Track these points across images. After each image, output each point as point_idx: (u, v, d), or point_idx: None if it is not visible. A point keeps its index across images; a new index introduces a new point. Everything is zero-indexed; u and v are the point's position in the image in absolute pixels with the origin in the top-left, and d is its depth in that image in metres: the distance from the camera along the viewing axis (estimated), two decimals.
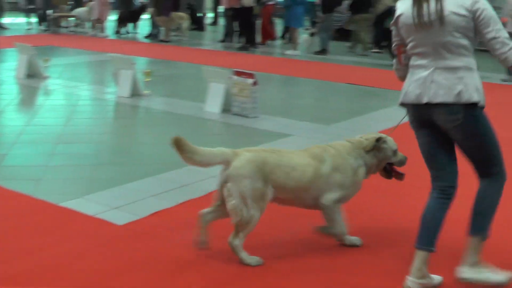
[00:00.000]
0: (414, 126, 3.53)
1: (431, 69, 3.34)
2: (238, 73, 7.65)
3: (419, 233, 3.42)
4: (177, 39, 16.78)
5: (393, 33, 3.53)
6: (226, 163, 3.66)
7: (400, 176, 4.05)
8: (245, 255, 3.61)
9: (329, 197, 3.76)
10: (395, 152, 3.99)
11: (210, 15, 21.84)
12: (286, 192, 3.71)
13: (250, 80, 7.46)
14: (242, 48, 14.96)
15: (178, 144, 3.59)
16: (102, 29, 17.32)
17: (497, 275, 3.42)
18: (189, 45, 15.72)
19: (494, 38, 3.21)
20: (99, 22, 17.26)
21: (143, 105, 8.33)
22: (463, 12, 3.22)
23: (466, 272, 3.38)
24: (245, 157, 3.66)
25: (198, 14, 20.03)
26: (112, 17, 18.59)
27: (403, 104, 3.51)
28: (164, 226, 4.15)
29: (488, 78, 10.63)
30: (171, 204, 4.58)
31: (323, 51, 14.64)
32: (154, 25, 17.02)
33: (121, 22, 17.90)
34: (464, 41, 3.27)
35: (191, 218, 3.92)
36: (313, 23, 16.91)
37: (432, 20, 3.26)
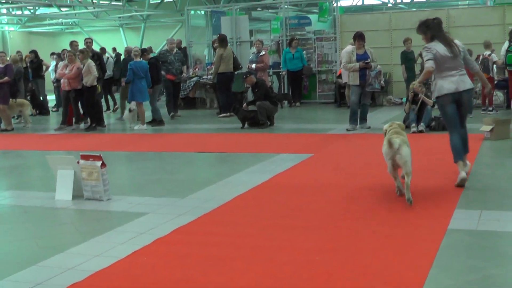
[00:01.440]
0: (447, 104, 7.42)
1: (457, 75, 7.43)
2: (85, 157, 7.47)
3: (455, 154, 7.44)
4: (21, 126, 16.24)
5: (429, 64, 7.40)
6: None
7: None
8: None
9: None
10: None
11: (51, 97, 21.38)
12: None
13: (98, 163, 7.32)
14: (89, 129, 14.72)
15: None
16: None
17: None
18: (33, 132, 15.25)
19: (472, 61, 7.98)
20: None
21: None
22: (462, 49, 7.52)
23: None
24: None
25: (41, 98, 19.56)
26: None
27: (439, 97, 7.48)
28: None
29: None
30: None
31: (160, 122, 14.97)
32: None
33: None
34: (462, 62, 7.52)
35: None
36: None
37: (456, 53, 7.42)
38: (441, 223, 5.77)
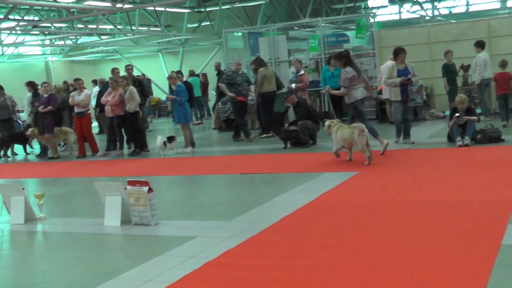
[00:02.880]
0: (359, 105, 11.89)
1: (361, 88, 11.98)
2: (132, 183, 7.52)
3: (374, 132, 11.53)
4: (66, 154, 16.48)
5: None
6: None
7: None
8: None
9: None
10: None
11: (94, 124, 21.64)
12: None
13: (145, 188, 7.37)
14: (133, 154, 14.87)
15: None
16: None
17: None
18: (79, 159, 15.45)
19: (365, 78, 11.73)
20: None
21: (39, 230, 8.03)
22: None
23: None
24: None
25: None
26: None
27: (354, 101, 11.83)
28: None
29: None
30: None
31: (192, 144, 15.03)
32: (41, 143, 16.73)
33: (3, 145, 17.44)
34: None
35: None
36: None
37: (360, 74, 11.97)
38: (494, 239, 5.64)
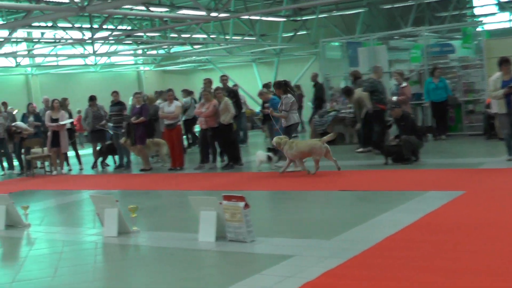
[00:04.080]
0: (295, 128, 14.30)
1: (297, 112, 14.27)
2: (228, 197, 7.60)
3: None
4: (159, 166, 16.84)
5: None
6: None
7: None
8: None
9: None
10: None
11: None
12: None
13: (241, 203, 7.42)
14: (226, 167, 15.04)
15: None
16: (60, 166, 17.62)
17: None
18: (171, 171, 15.75)
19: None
20: (59, 158, 17.59)
21: (132, 243, 8.22)
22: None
23: None
24: None
25: None
26: (86, 151, 18.78)
27: (292, 124, 13.91)
28: None
29: None
30: None
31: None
32: (127, 154, 17.17)
33: (100, 155, 18.03)
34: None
35: None
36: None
37: (297, 100, 13.71)
38: None
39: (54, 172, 17.45)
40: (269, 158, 14.23)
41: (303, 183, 12.13)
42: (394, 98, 16.90)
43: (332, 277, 5.81)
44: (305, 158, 13.36)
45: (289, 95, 14.02)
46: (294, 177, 12.98)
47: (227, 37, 29.30)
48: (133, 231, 8.61)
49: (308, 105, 25.57)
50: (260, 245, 7.33)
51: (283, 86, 14.23)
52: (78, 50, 28.61)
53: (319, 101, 20.89)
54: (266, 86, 19.12)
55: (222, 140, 15.08)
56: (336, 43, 24.58)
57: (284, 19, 30.50)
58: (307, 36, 31.07)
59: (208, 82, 16.33)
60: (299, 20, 30.50)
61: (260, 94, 15.74)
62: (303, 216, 9.01)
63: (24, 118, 18.75)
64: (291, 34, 32.33)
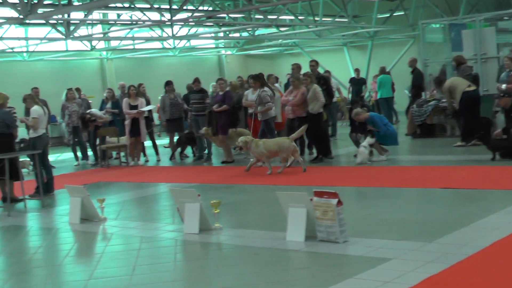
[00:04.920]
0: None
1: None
2: (319, 193, 7.58)
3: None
4: (241, 158, 16.91)
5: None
6: None
7: None
8: None
9: None
10: None
11: None
12: None
13: (334, 200, 7.39)
14: (315, 160, 15.01)
15: None
16: (137, 156, 18.00)
17: None
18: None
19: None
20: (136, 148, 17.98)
21: (214, 241, 8.31)
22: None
23: None
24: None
25: None
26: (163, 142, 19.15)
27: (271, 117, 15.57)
28: None
29: None
30: None
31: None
32: (208, 145, 17.35)
33: (179, 146, 18.29)
34: None
35: None
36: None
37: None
38: None
39: (132, 163, 17.80)
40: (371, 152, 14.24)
41: (398, 180, 11.99)
42: (503, 86, 16.48)
43: (435, 284, 5.72)
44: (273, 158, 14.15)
45: (266, 88, 15.53)
46: (388, 173, 12.86)
47: (316, 18, 29.17)
48: (215, 228, 8.70)
49: (404, 93, 25.26)
50: (354, 246, 7.29)
51: (261, 79, 15.84)
52: (156, 32, 29.02)
53: (417, 89, 20.59)
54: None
55: (311, 131, 15.03)
56: (437, 25, 24.14)
57: None
58: (405, 17, 30.57)
59: (296, 67, 16.25)
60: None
61: (356, 115, 15.36)
62: (401, 216, 8.91)
63: (103, 104, 19.17)
64: (387, 15, 31.89)
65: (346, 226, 7.49)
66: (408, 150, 16.82)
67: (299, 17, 29.10)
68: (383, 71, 23.81)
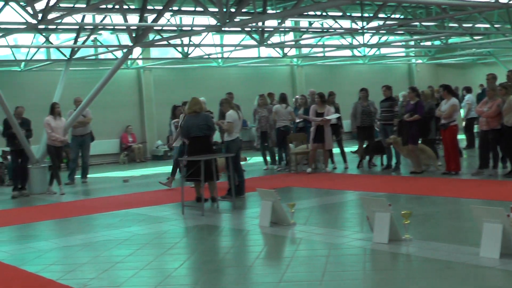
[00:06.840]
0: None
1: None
2: None
3: None
4: (431, 169, 16.55)
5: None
6: None
7: None
8: None
9: None
10: None
11: (461, 137, 21.54)
12: None
13: None
14: (509, 174, 14.44)
15: None
16: (324, 163, 18.04)
17: None
18: (443, 175, 15.45)
19: None
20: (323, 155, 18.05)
21: (404, 252, 8.22)
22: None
23: None
24: None
25: None
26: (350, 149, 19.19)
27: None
28: None
29: None
30: None
31: None
32: (397, 154, 17.16)
33: (367, 154, 18.23)
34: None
35: None
36: None
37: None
38: None
39: (308, 170, 17.85)
40: None
41: None
42: None
43: None
44: None
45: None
46: None
47: None
48: (405, 239, 8.60)
49: None
50: None
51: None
52: (346, 40, 29.08)
53: None
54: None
55: (505, 144, 14.48)
56: None
57: None
58: None
59: (492, 78, 15.71)
60: None
61: None
62: None
63: (295, 110, 19.50)
64: None
65: None
66: None
67: (495, 25, 28.14)
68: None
